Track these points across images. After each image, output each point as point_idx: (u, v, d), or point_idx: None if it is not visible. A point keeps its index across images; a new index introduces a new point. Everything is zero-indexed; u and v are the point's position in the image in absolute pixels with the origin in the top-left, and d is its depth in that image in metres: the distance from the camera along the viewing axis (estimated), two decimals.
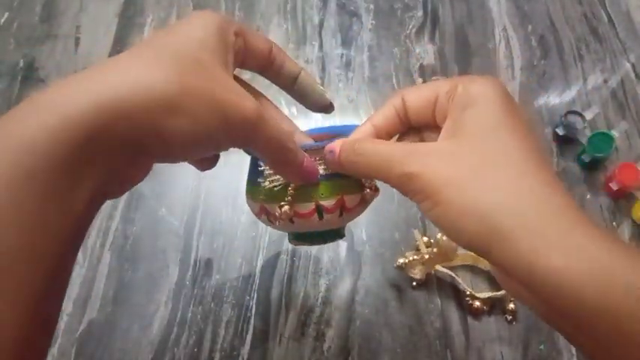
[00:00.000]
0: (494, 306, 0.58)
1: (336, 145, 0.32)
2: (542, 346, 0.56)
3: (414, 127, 0.33)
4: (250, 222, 0.63)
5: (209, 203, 0.65)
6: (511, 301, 0.57)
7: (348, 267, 0.60)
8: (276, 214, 0.34)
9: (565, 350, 0.56)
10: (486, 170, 0.25)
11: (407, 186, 0.28)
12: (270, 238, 0.62)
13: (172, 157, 0.26)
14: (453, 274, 0.57)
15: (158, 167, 0.67)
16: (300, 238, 0.38)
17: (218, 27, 0.28)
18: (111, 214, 0.64)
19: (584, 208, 0.64)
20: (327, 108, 0.37)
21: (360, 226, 0.63)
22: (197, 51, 0.26)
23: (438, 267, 0.58)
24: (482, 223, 0.24)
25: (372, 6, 0.81)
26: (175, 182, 0.66)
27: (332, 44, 0.77)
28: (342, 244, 0.62)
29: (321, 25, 0.79)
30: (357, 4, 0.81)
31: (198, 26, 0.27)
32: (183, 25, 0.27)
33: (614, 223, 0.63)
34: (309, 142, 0.34)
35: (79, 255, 0.61)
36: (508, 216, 0.24)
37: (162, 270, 0.61)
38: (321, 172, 0.33)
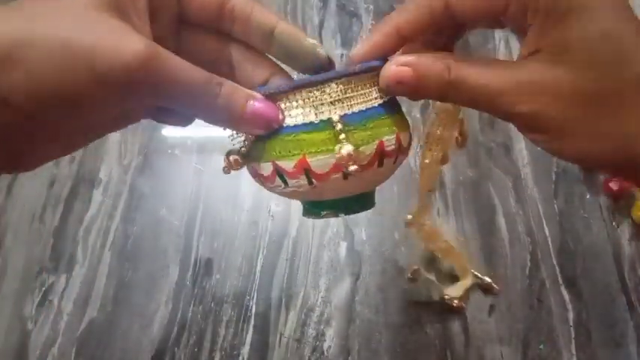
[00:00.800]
0: (472, 292, 0.58)
1: (406, 71, 0.24)
2: (542, 346, 0.56)
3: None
4: (250, 222, 0.63)
5: (209, 203, 0.65)
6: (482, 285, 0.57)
7: (348, 267, 0.61)
8: (284, 172, 0.26)
9: (565, 350, 0.56)
10: (614, 96, 0.22)
11: (518, 123, 0.24)
12: (270, 238, 0.63)
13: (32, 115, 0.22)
14: (433, 278, 0.57)
15: (158, 167, 0.67)
16: (318, 207, 0.30)
17: None
18: (111, 214, 0.64)
19: (584, 208, 0.64)
20: (323, 65, 0.27)
21: (360, 226, 0.63)
22: None
23: (423, 271, 0.58)
24: (622, 151, 0.23)
25: (371, 6, 0.81)
26: (176, 182, 0.66)
27: (332, 44, 0.77)
28: (342, 244, 0.62)
29: (321, 25, 0.79)
30: (356, 4, 0.81)
31: None
32: None
33: (613, 223, 0.63)
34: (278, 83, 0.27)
35: (79, 254, 0.62)
36: None
37: (162, 270, 0.61)
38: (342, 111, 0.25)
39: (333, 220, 0.63)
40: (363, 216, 0.63)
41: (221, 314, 0.58)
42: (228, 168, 0.28)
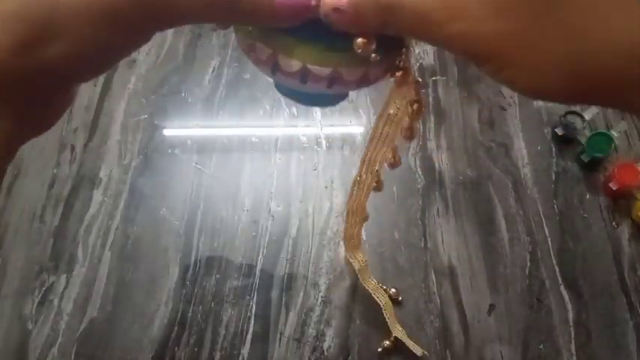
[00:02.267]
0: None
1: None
2: (541, 346, 0.56)
3: None
4: (250, 222, 0.63)
5: (209, 203, 0.65)
6: None
7: (348, 267, 0.61)
8: (262, 57, 0.25)
9: (565, 350, 0.56)
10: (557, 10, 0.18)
11: (455, 50, 0.21)
12: (270, 238, 0.63)
13: (90, 73, 0.21)
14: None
15: (158, 167, 0.67)
16: (284, 92, 0.29)
17: None
18: (111, 214, 0.64)
19: (584, 208, 0.64)
20: None
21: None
22: None
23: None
24: (581, 66, 0.19)
25: None
26: (176, 182, 0.66)
27: None
28: (342, 244, 0.62)
29: None
30: None
31: None
32: None
33: (613, 223, 0.63)
34: None
35: (80, 254, 0.62)
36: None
37: (162, 269, 0.61)
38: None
39: (333, 220, 0.63)
40: None
41: (221, 314, 0.58)
42: (258, 62, 0.26)
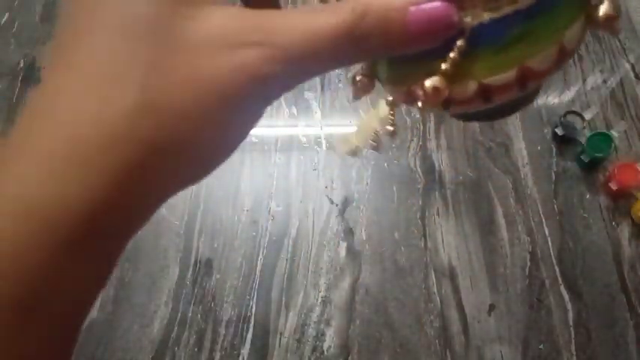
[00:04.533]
0: None
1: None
2: (541, 346, 0.56)
3: None
4: (250, 222, 0.63)
5: (209, 203, 0.65)
6: None
7: (348, 267, 0.61)
8: (419, 94, 0.19)
9: (565, 350, 0.56)
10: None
11: None
12: (270, 238, 0.63)
13: (190, 183, 0.18)
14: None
15: None
16: (467, 118, 0.22)
17: None
18: None
19: (584, 208, 0.64)
20: None
21: (360, 226, 0.63)
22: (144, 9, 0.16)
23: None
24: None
25: None
26: None
27: None
28: (341, 244, 0.62)
29: None
30: None
31: None
32: None
33: (613, 223, 0.63)
34: None
35: None
36: None
37: (162, 270, 0.61)
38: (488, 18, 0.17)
39: (333, 220, 0.63)
40: (363, 216, 0.63)
41: (221, 314, 0.58)
42: (358, 93, 0.21)
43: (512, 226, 0.63)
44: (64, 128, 0.15)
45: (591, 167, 0.66)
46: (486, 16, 0.17)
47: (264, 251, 0.62)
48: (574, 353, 0.56)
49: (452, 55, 0.17)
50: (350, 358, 0.56)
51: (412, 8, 0.16)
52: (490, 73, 0.18)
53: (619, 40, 0.77)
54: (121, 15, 0.15)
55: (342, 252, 0.61)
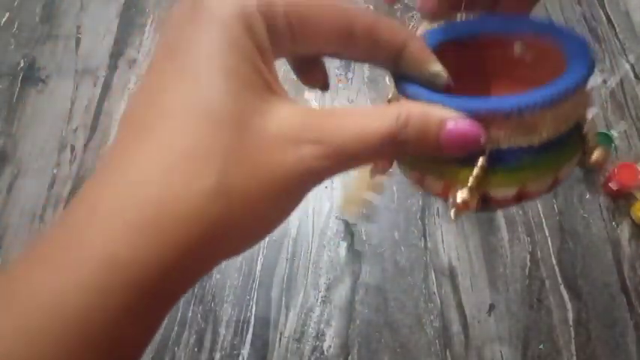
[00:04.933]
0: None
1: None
2: (541, 346, 0.56)
3: None
4: None
5: None
6: None
7: (348, 267, 0.61)
8: (435, 189, 0.23)
9: (565, 350, 0.56)
10: None
11: None
12: (270, 238, 0.63)
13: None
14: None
15: None
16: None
17: (246, 27, 0.18)
18: None
19: (584, 208, 0.65)
20: (440, 86, 0.23)
21: (360, 226, 0.63)
22: (227, 105, 0.17)
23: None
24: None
25: (371, 6, 0.81)
26: None
27: None
28: (341, 244, 0.62)
29: None
30: (357, 4, 0.81)
31: (213, 43, 0.18)
32: (184, 53, 0.18)
33: (613, 223, 0.63)
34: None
35: None
36: None
37: None
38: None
39: (333, 220, 0.63)
40: (363, 216, 0.63)
41: (221, 314, 0.58)
42: (377, 172, 0.24)
43: (512, 226, 0.63)
44: (147, 199, 0.16)
45: (591, 167, 0.66)
46: (506, 144, 0.20)
47: (264, 251, 0.62)
48: (574, 353, 0.56)
49: (475, 172, 0.20)
50: (350, 358, 0.56)
51: (448, 125, 0.19)
52: (495, 187, 0.21)
53: (619, 40, 0.77)
54: (207, 101, 0.17)
55: (342, 252, 0.61)
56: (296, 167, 0.18)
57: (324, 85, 0.25)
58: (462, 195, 0.21)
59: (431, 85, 0.22)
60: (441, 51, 0.23)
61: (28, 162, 0.68)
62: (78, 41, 0.78)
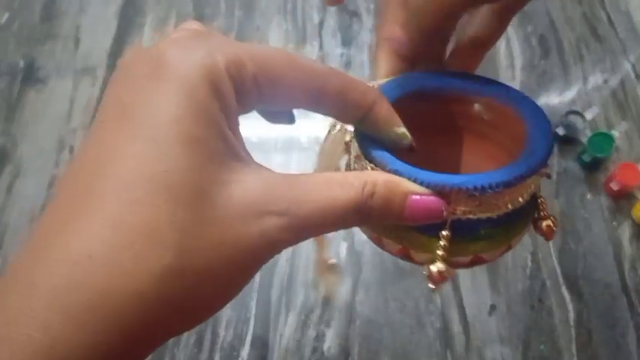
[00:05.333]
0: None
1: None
2: (542, 347, 0.56)
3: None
4: None
5: None
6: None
7: (348, 267, 0.60)
8: (392, 250, 0.25)
9: (565, 350, 0.56)
10: None
11: None
12: None
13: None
14: None
15: None
16: None
17: (213, 90, 0.17)
18: None
19: (585, 208, 0.64)
20: (404, 147, 0.24)
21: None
22: (184, 177, 0.16)
23: None
24: None
25: (371, 6, 0.81)
26: None
27: (332, 44, 0.77)
28: (342, 244, 0.62)
29: (321, 24, 0.79)
30: (356, 3, 0.81)
31: (177, 107, 0.16)
32: (141, 117, 0.16)
33: (614, 223, 0.63)
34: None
35: None
36: None
37: None
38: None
39: None
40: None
41: (221, 314, 0.58)
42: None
43: None
44: (91, 280, 0.15)
45: (592, 167, 0.66)
46: (465, 216, 0.22)
47: None
48: (575, 354, 0.56)
49: (442, 243, 0.22)
50: (350, 358, 0.55)
51: (412, 197, 0.20)
52: (452, 255, 0.23)
53: (619, 40, 0.76)
54: (166, 173, 0.16)
55: (342, 252, 0.61)
56: (259, 241, 0.17)
57: (289, 121, 0.25)
58: (437, 268, 0.23)
59: (395, 145, 0.23)
60: (400, 103, 0.24)
61: (27, 162, 0.68)
62: (77, 41, 0.78)
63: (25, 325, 0.14)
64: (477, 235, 0.23)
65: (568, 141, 0.68)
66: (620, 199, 0.64)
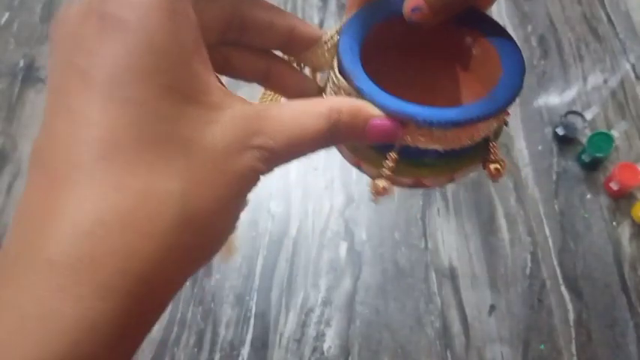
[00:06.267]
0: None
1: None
2: (542, 346, 0.56)
3: None
4: (250, 222, 0.63)
5: None
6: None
7: (348, 267, 0.60)
8: (350, 161, 0.27)
9: (565, 350, 0.56)
10: None
11: None
12: (270, 238, 0.62)
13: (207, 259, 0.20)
14: None
15: None
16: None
17: (174, 27, 0.16)
18: None
19: (585, 208, 0.64)
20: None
21: (360, 226, 0.63)
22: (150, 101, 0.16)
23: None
24: None
25: None
26: None
27: None
28: (342, 244, 0.62)
29: (321, 24, 0.79)
30: None
31: (138, 57, 0.16)
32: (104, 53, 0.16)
33: (614, 223, 0.63)
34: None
35: None
36: None
37: None
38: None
39: (333, 220, 0.63)
40: (363, 216, 0.62)
41: (221, 314, 0.58)
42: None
43: (512, 226, 0.63)
44: (111, 243, 0.15)
45: (592, 167, 0.66)
46: (414, 143, 0.23)
47: (264, 251, 0.61)
48: (574, 353, 0.56)
49: (389, 164, 0.24)
50: (350, 358, 0.55)
51: (372, 122, 0.22)
52: (396, 174, 0.24)
53: (619, 40, 0.76)
54: (148, 130, 0.16)
55: (342, 252, 0.61)
56: (247, 174, 0.18)
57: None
58: (381, 184, 0.25)
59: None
60: (391, 25, 0.25)
61: (27, 162, 0.68)
62: None
63: (58, 302, 0.14)
64: (421, 162, 0.25)
65: (568, 141, 0.68)
66: (620, 198, 0.64)
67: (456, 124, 0.23)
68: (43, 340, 0.14)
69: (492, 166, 0.26)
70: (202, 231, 0.17)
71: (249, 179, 0.18)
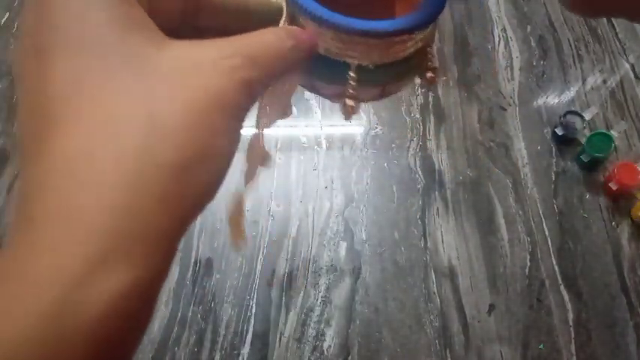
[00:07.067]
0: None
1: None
2: (541, 346, 0.56)
3: None
4: (251, 222, 0.63)
5: (209, 203, 0.65)
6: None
7: (348, 267, 0.61)
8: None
9: (565, 350, 0.56)
10: None
11: None
12: (270, 238, 0.63)
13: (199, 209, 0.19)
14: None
15: None
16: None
17: None
18: None
19: (584, 208, 0.65)
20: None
21: (360, 226, 0.63)
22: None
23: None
24: None
25: None
26: None
27: None
28: (341, 244, 0.62)
29: None
30: None
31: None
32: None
33: (613, 223, 0.63)
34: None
35: None
36: None
37: None
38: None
39: (333, 220, 0.63)
40: (362, 216, 0.63)
41: (221, 314, 0.58)
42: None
43: (512, 226, 0.63)
44: (130, 206, 0.15)
45: (591, 167, 0.66)
46: (358, 62, 0.25)
47: (264, 251, 0.62)
48: (574, 353, 0.56)
49: (352, 82, 0.25)
50: (350, 358, 0.56)
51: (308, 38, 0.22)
52: (362, 91, 0.25)
53: (619, 40, 0.77)
54: (121, 83, 0.16)
55: (342, 252, 0.61)
56: (230, 82, 0.18)
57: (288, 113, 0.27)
58: (350, 103, 0.26)
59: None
60: None
61: None
62: None
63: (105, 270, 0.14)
64: (374, 78, 0.26)
65: (567, 141, 0.68)
66: (619, 198, 0.64)
67: (380, 37, 0.24)
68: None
69: (428, 75, 0.27)
70: (183, 145, 0.16)
71: (240, 87, 0.18)
